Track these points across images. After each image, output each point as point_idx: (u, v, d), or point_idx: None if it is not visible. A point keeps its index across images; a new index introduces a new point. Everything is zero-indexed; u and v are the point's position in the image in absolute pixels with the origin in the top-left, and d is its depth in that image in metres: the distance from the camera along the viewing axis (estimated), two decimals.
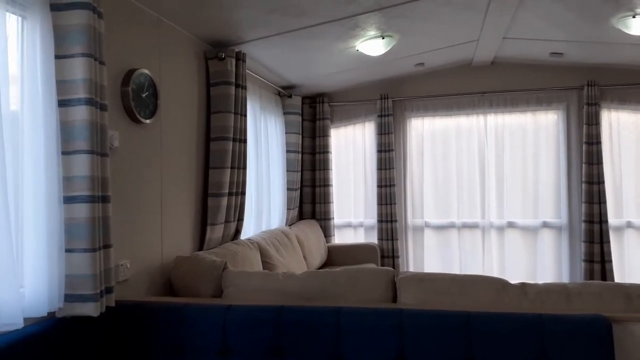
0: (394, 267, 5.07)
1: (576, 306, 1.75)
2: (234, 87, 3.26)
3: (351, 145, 5.38)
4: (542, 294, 1.78)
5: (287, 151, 4.74)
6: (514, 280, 4.87)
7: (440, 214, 5.11)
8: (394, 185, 5.07)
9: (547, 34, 3.86)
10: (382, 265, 5.03)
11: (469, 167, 5.01)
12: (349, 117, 5.37)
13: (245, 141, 3.43)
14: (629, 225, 4.61)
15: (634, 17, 3.07)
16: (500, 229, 4.92)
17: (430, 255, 5.12)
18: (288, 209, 4.67)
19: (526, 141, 4.87)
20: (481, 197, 4.95)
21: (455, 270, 5.04)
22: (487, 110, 4.94)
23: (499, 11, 3.32)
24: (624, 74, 4.60)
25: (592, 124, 4.56)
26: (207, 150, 3.24)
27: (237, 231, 3.43)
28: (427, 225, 5.14)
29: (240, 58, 3.38)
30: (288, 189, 4.70)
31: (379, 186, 5.11)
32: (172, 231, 2.80)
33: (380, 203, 5.11)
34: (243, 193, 3.43)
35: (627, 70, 4.59)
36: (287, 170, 4.71)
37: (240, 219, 3.42)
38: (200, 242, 3.13)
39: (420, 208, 5.14)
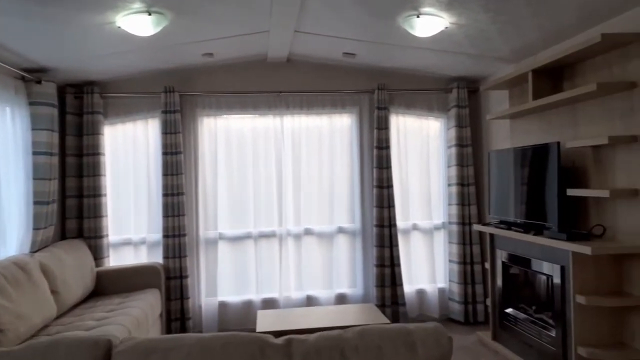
0: (182, 290, 4.38)
1: None
2: None
3: (131, 146, 4.50)
4: (311, 355, 1.32)
5: (34, 153, 3.66)
6: (311, 291, 4.78)
7: (236, 224, 4.59)
8: (182, 193, 4.37)
9: (338, 30, 3.63)
10: (167, 289, 4.30)
11: (266, 172, 4.59)
12: (128, 112, 4.48)
13: None
14: (415, 227, 4.74)
15: (418, 16, 2.96)
16: (297, 237, 4.62)
17: (225, 272, 4.57)
18: (35, 229, 3.60)
19: (322, 145, 4.66)
20: (278, 203, 4.58)
21: (252, 286, 4.58)
22: (283, 111, 4.58)
23: None
24: (411, 78, 4.70)
25: (382, 128, 4.56)
26: None
27: None
28: (221, 237, 4.57)
29: None
30: (35, 203, 3.62)
31: (165, 195, 4.36)
32: None
33: (166, 215, 4.36)
34: None
35: (413, 75, 4.71)
36: (34, 179, 3.63)
37: None
38: None
39: (213, 218, 4.55)
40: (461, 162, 4.59)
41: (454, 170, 4.58)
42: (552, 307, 3.10)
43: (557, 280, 3.00)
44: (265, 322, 3.42)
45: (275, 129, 4.59)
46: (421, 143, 4.76)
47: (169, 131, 4.39)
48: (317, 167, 4.66)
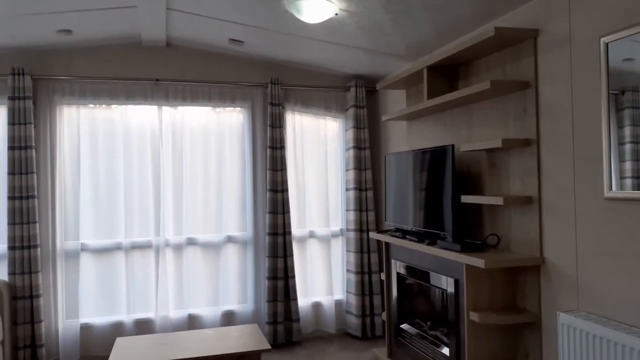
0: (32, 311, 3.64)
1: None
2: None
3: None
4: None
5: None
6: (194, 309, 4.21)
7: (103, 233, 3.93)
8: (34, 196, 3.64)
9: (218, 11, 3.16)
10: (13, 311, 3.53)
11: (141, 172, 3.99)
12: None
13: None
14: (312, 235, 4.38)
15: None
16: (178, 248, 4.06)
17: (89, 289, 3.89)
18: None
19: (209, 143, 4.15)
20: (155, 209, 3.99)
21: (122, 306, 3.94)
22: (162, 102, 4.01)
23: None
24: (308, 74, 4.34)
25: (277, 126, 4.14)
26: None
27: None
28: (84, 248, 3.89)
29: None
30: None
31: (11, 198, 3.61)
32: None
33: (12, 222, 3.61)
34: None
35: (310, 71, 4.35)
36: None
37: None
38: None
39: (74, 226, 3.85)
40: (359, 166, 4.30)
41: (351, 174, 4.28)
42: (447, 323, 2.85)
43: (451, 294, 2.75)
44: (122, 354, 2.84)
45: (152, 123, 4.01)
46: (319, 144, 4.41)
47: (17, 122, 3.64)
48: (203, 167, 4.14)
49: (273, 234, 4.12)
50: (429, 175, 3.07)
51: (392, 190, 3.61)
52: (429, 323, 3.18)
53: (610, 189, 2.03)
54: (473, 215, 3.00)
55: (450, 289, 2.75)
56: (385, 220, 3.70)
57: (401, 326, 3.43)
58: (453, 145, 2.83)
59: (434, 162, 3.02)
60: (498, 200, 2.51)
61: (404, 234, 3.33)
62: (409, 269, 3.28)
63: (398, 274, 3.46)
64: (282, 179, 4.14)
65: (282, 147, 4.14)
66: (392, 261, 3.53)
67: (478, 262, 2.42)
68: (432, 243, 2.94)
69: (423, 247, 2.93)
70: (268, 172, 4.10)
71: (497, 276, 2.63)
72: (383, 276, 3.68)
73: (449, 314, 2.77)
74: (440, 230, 2.92)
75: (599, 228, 2.12)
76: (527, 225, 2.55)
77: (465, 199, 2.78)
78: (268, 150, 4.11)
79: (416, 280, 3.21)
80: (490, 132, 2.84)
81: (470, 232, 3.03)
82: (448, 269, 2.79)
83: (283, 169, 4.14)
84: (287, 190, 4.14)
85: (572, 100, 2.26)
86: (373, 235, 3.68)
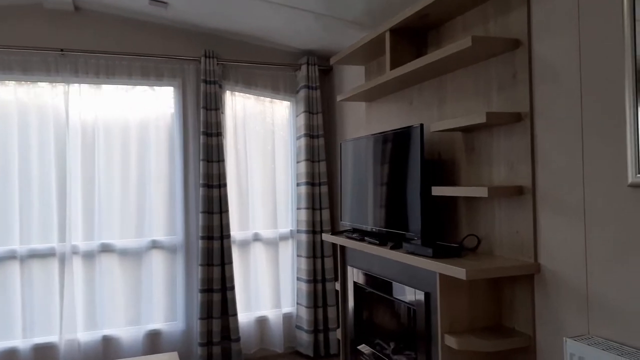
0: None
1: None
2: None
3: None
4: None
5: None
6: (110, 330, 3.40)
7: None
8: None
9: None
10: None
11: (42, 164, 3.23)
12: None
13: None
14: (256, 238, 3.73)
15: None
16: (89, 256, 3.33)
17: None
18: None
19: (128, 129, 3.43)
20: (60, 210, 3.24)
21: (17, 328, 3.17)
22: (70, 78, 3.27)
23: None
24: (251, 49, 3.70)
25: (212, 108, 3.48)
26: None
27: None
28: None
29: None
30: None
31: None
32: None
33: None
34: None
35: (253, 45, 3.71)
36: None
37: None
38: None
39: None
40: (312, 157, 3.69)
41: (303, 167, 3.67)
42: (414, 347, 2.28)
43: (420, 311, 2.17)
44: None
45: (57, 103, 3.26)
46: (264, 131, 3.77)
47: None
48: (121, 158, 3.42)
49: (208, 237, 3.45)
50: (392, 163, 2.49)
51: (348, 184, 3.01)
52: (392, 345, 2.60)
53: (638, 173, 1.50)
54: (446, 212, 2.44)
55: (420, 305, 2.17)
56: (341, 220, 3.10)
57: (358, 347, 2.83)
58: (422, 125, 2.26)
59: (398, 147, 2.44)
60: (481, 192, 1.95)
61: (362, 235, 2.73)
62: (368, 277, 2.69)
63: (355, 283, 2.86)
64: (220, 172, 3.47)
65: (220, 134, 3.47)
66: (349, 268, 2.94)
67: (457, 271, 1.84)
68: (396, 246, 2.36)
69: (385, 252, 2.34)
70: (202, 163, 3.43)
71: (479, 288, 2.07)
72: (338, 286, 3.08)
73: (417, 335, 2.20)
74: (406, 230, 2.35)
75: (619, 224, 1.58)
76: (516, 223, 2.00)
77: (437, 191, 2.22)
78: (202, 137, 3.43)
79: (377, 292, 2.62)
80: (468, 108, 2.29)
81: (442, 233, 2.47)
82: (416, 279, 2.22)
83: (220, 159, 3.47)
84: (225, 185, 3.48)
85: (580, 59, 1.72)
86: (327, 237, 3.07)
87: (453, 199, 2.38)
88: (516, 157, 2.00)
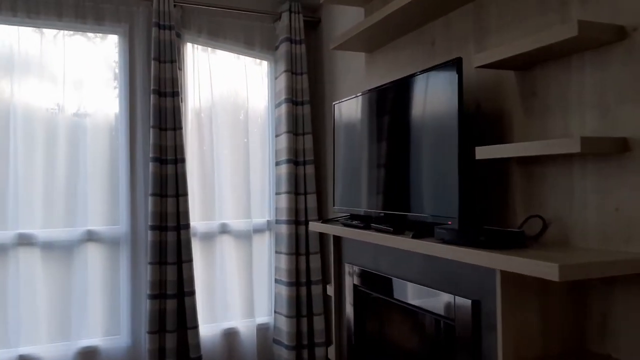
0: None
1: None
2: None
3: None
4: None
5: None
6: (30, 347, 2.56)
7: None
8: None
9: None
10: None
11: None
12: None
13: None
14: (224, 230, 2.97)
15: None
16: (2, 251, 2.52)
17: None
18: None
19: (56, 85, 2.63)
20: None
21: None
22: None
23: None
24: None
25: (166, 60, 2.71)
26: None
27: None
28: None
29: None
30: None
31: None
32: None
33: None
34: None
35: None
36: None
37: None
38: None
39: None
40: (294, 129, 2.96)
41: (284, 141, 2.93)
42: None
43: (464, 329, 1.46)
44: None
45: None
46: (236, 97, 3.02)
47: None
48: (45, 125, 2.61)
49: (160, 227, 2.68)
50: (410, 122, 1.78)
51: (344, 158, 2.29)
52: None
53: None
54: (490, 186, 1.74)
55: (463, 319, 1.46)
56: (334, 205, 2.37)
57: None
58: (460, 60, 1.56)
59: (421, 97, 1.73)
60: (568, 146, 1.25)
61: (365, 222, 2.01)
62: (372, 278, 1.97)
63: (355, 287, 2.14)
64: (176, 143, 2.70)
65: (176, 94, 2.70)
66: (346, 267, 2.21)
67: (544, 268, 1.14)
68: (420, 235, 1.64)
69: (405, 242, 1.62)
70: (152, 131, 2.66)
71: (555, 294, 1.38)
72: (331, 290, 2.35)
73: None
74: (435, 212, 1.64)
75: None
76: (613, 197, 1.31)
77: (485, 152, 1.51)
78: (152, 96, 2.66)
79: (387, 299, 1.90)
80: (530, 34, 1.59)
81: (485, 214, 1.76)
82: (456, 281, 1.51)
83: (177, 127, 2.71)
84: (183, 160, 2.71)
85: None
86: (315, 226, 2.34)
87: (501, 166, 1.68)
88: (616, 97, 1.31)
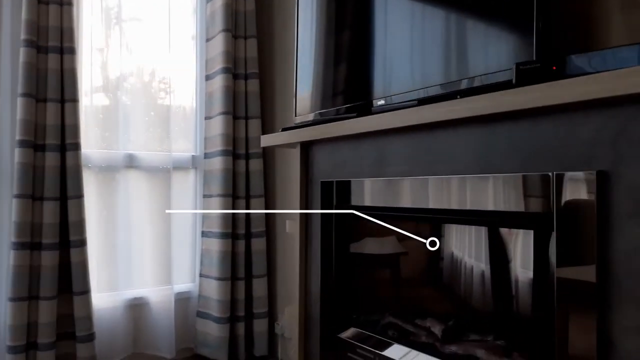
0: None
1: None
2: None
3: None
4: None
5: None
6: None
7: None
8: None
9: None
10: None
11: None
12: None
13: None
14: (131, 163, 2.15)
15: None
16: None
17: None
18: None
19: None
20: None
21: None
22: None
23: None
24: None
25: (51, 1, 1.84)
26: None
27: None
28: None
29: None
30: None
31: None
32: None
33: None
34: None
35: None
36: None
37: None
38: None
39: None
40: (234, 29, 2.22)
41: (219, 44, 2.18)
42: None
43: (581, 223, 0.88)
44: None
45: None
46: (154, 60, 2.21)
47: None
48: None
49: (35, 146, 1.80)
50: None
51: (318, 44, 1.62)
52: (441, 327, 1.28)
53: None
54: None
55: (578, 207, 0.87)
56: (296, 115, 1.69)
57: (340, 335, 1.46)
58: None
59: None
60: None
61: (361, 109, 1.36)
62: (378, 193, 1.33)
63: (346, 209, 1.48)
64: (66, 122, 1.84)
65: (69, 51, 1.84)
66: (320, 187, 1.54)
67: None
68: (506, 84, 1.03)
69: (464, 104, 1.00)
70: (21, 101, 1.78)
71: None
72: (293, 226, 1.67)
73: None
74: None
75: None
76: None
77: None
78: (23, 52, 1.78)
79: (410, 215, 1.27)
80: None
81: None
82: (551, 151, 0.92)
83: (68, 99, 1.84)
84: (77, 146, 1.86)
85: None
86: (273, 137, 1.64)
87: None
88: None
